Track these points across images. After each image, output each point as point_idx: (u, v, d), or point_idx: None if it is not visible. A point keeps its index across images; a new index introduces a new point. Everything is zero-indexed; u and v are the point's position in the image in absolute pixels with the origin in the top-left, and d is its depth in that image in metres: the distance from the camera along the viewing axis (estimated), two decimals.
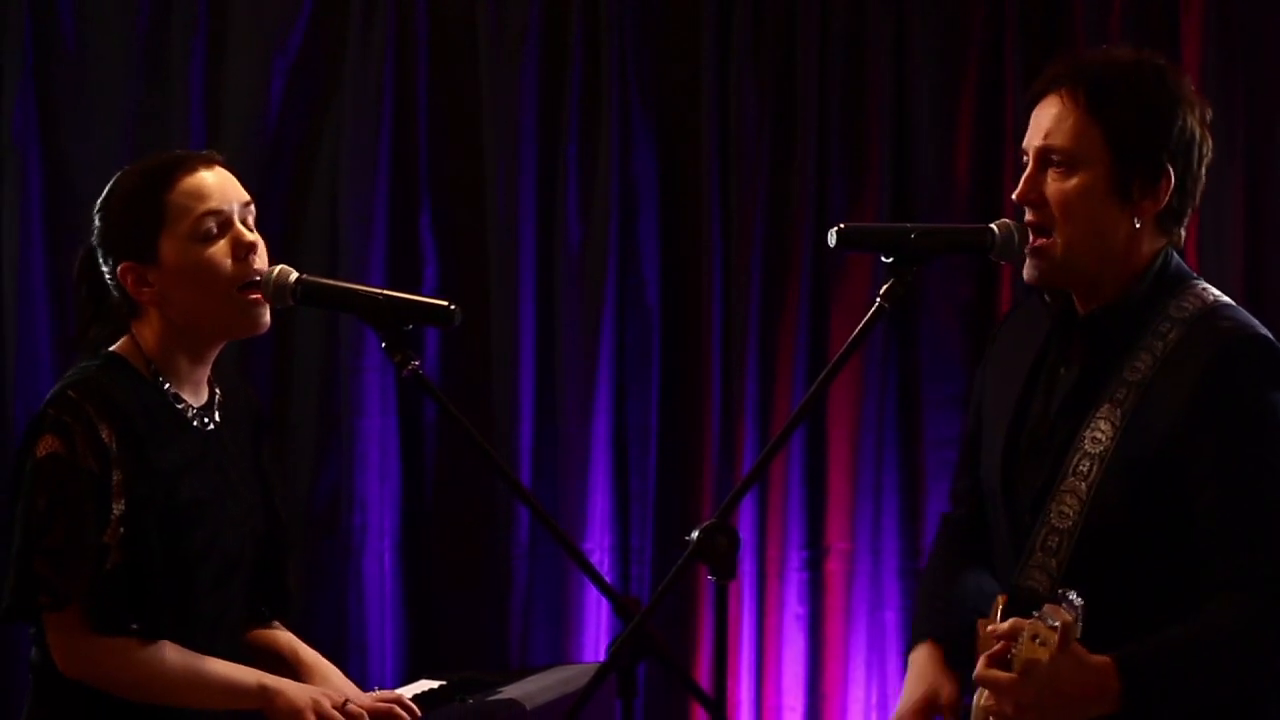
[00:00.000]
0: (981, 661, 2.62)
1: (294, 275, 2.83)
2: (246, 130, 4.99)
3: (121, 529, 2.79)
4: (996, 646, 2.61)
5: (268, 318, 2.91)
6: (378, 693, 3.07)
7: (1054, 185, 2.77)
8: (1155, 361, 2.74)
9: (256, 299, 2.88)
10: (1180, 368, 2.71)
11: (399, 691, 3.13)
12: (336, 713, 2.87)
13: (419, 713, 3.02)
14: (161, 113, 5.02)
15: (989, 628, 2.65)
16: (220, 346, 2.98)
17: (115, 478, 2.80)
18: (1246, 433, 2.69)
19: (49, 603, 2.78)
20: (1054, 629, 2.52)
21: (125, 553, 2.80)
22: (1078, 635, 2.55)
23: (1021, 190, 2.80)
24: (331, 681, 3.05)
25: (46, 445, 2.79)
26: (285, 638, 3.13)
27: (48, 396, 2.86)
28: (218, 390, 3.00)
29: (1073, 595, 2.56)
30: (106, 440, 2.80)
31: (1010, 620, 2.61)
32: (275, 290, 2.83)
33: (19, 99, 5.03)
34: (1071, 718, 2.62)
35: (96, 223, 2.93)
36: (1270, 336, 2.75)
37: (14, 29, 5.03)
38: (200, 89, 5.01)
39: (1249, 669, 2.69)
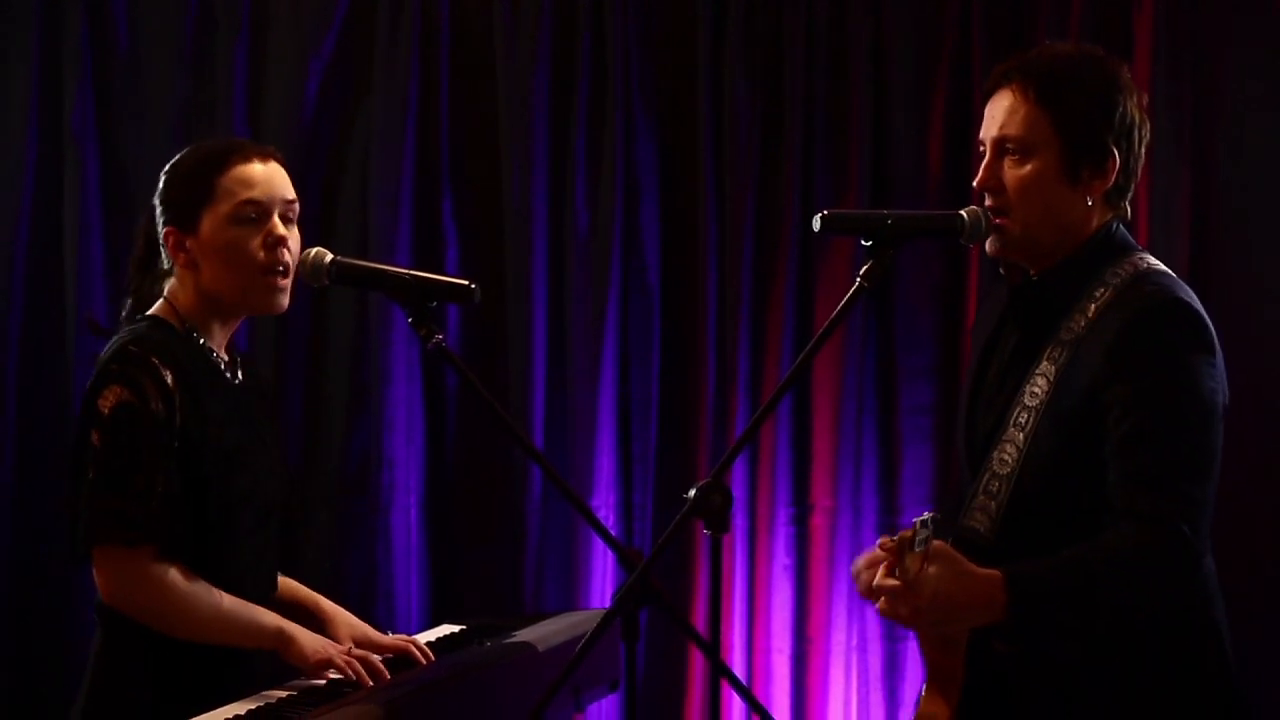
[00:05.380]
0: (880, 571, 2.59)
1: (329, 257, 2.83)
2: (285, 125, 4.98)
3: (179, 469, 2.79)
4: (889, 558, 2.58)
5: (285, 301, 2.93)
6: (394, 636, 3.09)
7: (1010, 172, 2.76)
8: (1088, 321, 2.73)
9: (274, 284, 2.90)
10: (1105, 325, 2.70)
11: (418, 637, 3.15)
12: (341, 660, 2.87)
13: (433, 657, 3.04)
14: (207, 108, 5.01)
15: (880, 539, 2.62)
16: (242, 318, 3.00)
17: (178, 420, 2.80)
18: (1157, 383, 2.64)
19: (126, 538, 2.74)
20: (894, 540, 2.52)
21: (184, 492, 2.79)
22: (914, 548, 2.50)
23: (981, 178, 2.79)
24: (352, 625, 3.08)
25: (114, 395, 2.78)
26: (304, 590, 3.14)
27: (105, 355, 2.84)
28: (237, 355, 3.02)
29: (926, 514, 2.53)
30: (171, 386, 2.80)
31: (899, 534, 2.57)
32: (312, 270, 2.83)
33: (78, 97, 5.02)
34: (962, 624, 2.60)
35: (160, 184, 2.96)
36: (1192, 303, 2.73)
37: (72, 34, 5.02)
38: (243, 87, 5.00)
39: (1131, 595, 2.61)
